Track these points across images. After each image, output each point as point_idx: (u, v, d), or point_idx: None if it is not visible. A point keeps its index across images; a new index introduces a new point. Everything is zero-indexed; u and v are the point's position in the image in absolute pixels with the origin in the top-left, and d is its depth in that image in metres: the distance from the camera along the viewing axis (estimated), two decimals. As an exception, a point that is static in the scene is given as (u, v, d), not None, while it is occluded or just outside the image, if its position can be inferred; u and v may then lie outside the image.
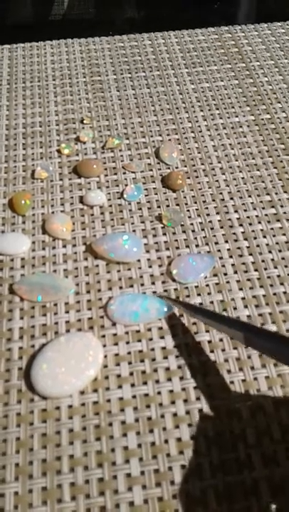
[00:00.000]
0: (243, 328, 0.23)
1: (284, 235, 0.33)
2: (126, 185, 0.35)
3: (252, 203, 0.34)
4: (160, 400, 0.26)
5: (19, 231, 0.33)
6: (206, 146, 0.38)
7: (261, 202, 0.34)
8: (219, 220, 0.33)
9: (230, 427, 0.25)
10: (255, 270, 0.31)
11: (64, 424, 0.25)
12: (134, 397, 0.26)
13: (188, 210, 0.34)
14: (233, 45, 0.47)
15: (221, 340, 0.28)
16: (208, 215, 0.34)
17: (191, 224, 0.33)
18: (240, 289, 0.30)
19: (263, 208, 0.34)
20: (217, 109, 0.41)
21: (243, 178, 0.36)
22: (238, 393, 0.26)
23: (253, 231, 0.33)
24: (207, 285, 0.30)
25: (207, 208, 0.34)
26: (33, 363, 0.27)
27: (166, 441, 0.25)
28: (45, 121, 0.40)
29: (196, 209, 0.34)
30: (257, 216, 0.34)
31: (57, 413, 0.26)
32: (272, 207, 0.34)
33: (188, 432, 0.25)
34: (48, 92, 0.42)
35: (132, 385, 0.26)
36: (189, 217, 0.34)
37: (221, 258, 0.32)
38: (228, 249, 0.32)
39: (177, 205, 0.34)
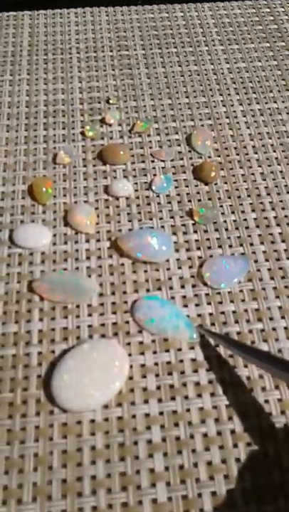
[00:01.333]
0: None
1: None
2: (154, 175, 0.33)
3: (291, 200, 0.32)
4: (189, 418, 0.24)
5: (39, 222, 0.30)
6: (241, 135, 0.35)
7: (301, 200, 0.32)
8: (255, 219, 0.31)
9: (264, 449, 0.23)
10: (294, 277, 0.29)
11: (86, 440, 0.24)
12: (161, 413, 0.24)
13: (221, 206, 0.31)
14: (272, 21, 0.43)
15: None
16: (242, 212, 0.31)
17: (225, 221, 0.31)
18: (277, 297, 0.28)
19: (303, 207, 0.31)
20: (254, 92, 0.37)
21: (281, 171, 0.33)
22: (273, 413, 0.24)
23: (291, 233, 0.30)
24: (241, 291, 0.28)
25: (242, 205, 0.31)
26: (53, 371, 0.25)
27: (195, 465, 0.23)
28: (68, 99, 0.36)
29: (230, 205, 0.31)
30: (296, 216, 0.31)
31: (78, 428, 0.24)
32: (314, 206, 0.31)
33: (219, 455, 0.23)
34: (72, 66, 0.39)
35: (159, 400, 0.25)
36: (222, 213, 0.31)
37: (256, 261, 0.29)
38: (264, 252, 0.29)
39: (209, 199, 0.32)
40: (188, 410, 0.24)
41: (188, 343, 0.26)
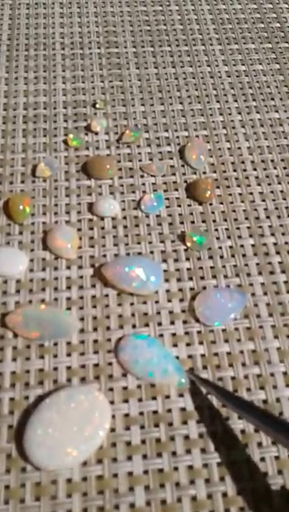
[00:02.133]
0: None
1: None
2: (144, 191, 0.30)
3: (292, 225, 0.29)
4: (177, 479, 0.22)
5: (15, 245, 0.27)
6: (239, 148, 0.32)
7: (303, 225, 0.29)
8: (253, 245, 0.28)
9: (258, 515, 0.21)
10: (294, 314, 0.26)
11: (61, 504, 0.21)
12: (145, 472, 0.22)
13: (216, 230, 0.29)
14: (275, 19, 0.40)
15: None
16: (239, 237, 0.28)
17: (220, 248, 0.28)
18: (276, 337, 0.25)
19: (306, 234, 0.29)
20: (254, 100, 0.34)
21: (282, 191, 0.30)
22: (269, 473, 0.22)
23: (292, 262, 0.28)
24: (236, 329, 0.26)
25: (239, 229, 0.29)
26: (26, 423, 0.22)
27: (183, 534, 0.21)
28: (50, 101, 0.33)
29: (226, 229, 0.29)
30: (298, 243, 0.28)
31: (53, 489, 0.21)
32: (317, 233, 0.29)
33: (209, 521, 0.21)
34: (56, 64, 0.35)
35: (144, 457, 0.22)
36: (218, 238, 0.28)
37: (253, 295, 0.27)
38: (262, 284, 0.27)
39: (203, 221, 0.29)
40: (176, 469, 0.22)
41: (178, 389, 0.24)
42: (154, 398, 0.23)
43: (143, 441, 0.22)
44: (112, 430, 0.23)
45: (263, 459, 0.22)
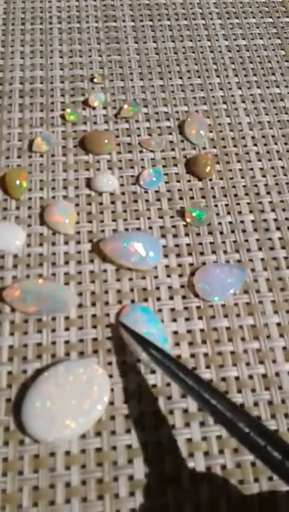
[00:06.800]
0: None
1: None
2: (142, 167, 0.29)
3: (293, 201, 0.29)
4: (176, 452, 0.22)
5: (12, 220, 0.27)
6: (239, 123, 0.31)
7: (304, 201, 0.29)
8: (253, 221, 0.28)
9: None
10: (294, 289, 0.26)
11: (60, 476, 0.21)
12: (144, 445, 0.22)
13: (216, 205, 0.28)
14: (276, -7, 0.39)
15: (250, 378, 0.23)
16: (239, 213, 0.28)
17: (219, 224, 0.28)
18: (276, 312, 0.25)
19: (306, 209, 0.28)
20: (254, 75, 0.34)
21: (283, 167, 0.30)
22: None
23: (292, 238, 0.27)
24: (236, 304, 0.25)
25: (239, 204, 0.28)
26: (24, 397, 0.22)
27: (181, 506, 0.21)
28: (47, 76, 0.32)
29: (226, 204, 0.28)
30: (298, 219, 0.28)
31: (51, 461, 0.21)
32: None
33: (208, 492, 0.21)
34: (52, 38, 0.34)
35: (143, 430, 0.22)
36: (217, 214, 0.28)
37: (253, 270, 0.26)
38: (262, 259, 0.27)
39: (203, 197, 0.29)
40: (173, 442, 0.22)
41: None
42: (153, 372, 0.23)
43: (141, 415, 0.22)
44: (111, 403, 0.22)
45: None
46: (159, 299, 0.25)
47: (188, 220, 0.27)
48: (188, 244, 0.27)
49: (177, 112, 0.32)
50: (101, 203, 0.28)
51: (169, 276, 0.26)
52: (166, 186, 0.29)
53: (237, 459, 0.21)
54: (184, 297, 0.25)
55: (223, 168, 0.30)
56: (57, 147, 0.30)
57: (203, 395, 0.19)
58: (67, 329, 0.24)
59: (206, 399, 0.18)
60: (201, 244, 0.27)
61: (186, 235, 0.27)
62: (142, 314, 0.24)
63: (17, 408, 0.22)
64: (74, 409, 0.21)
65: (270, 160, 0.30)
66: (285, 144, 0.31)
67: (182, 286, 0.26)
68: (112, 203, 0.28)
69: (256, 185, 0.29)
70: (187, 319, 0.25)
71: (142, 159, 0.30)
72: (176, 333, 0.24)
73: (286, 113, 0.32)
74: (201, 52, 0.35)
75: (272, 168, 0.30)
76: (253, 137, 0.31)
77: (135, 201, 0.28)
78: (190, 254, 0.27)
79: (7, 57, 0.33)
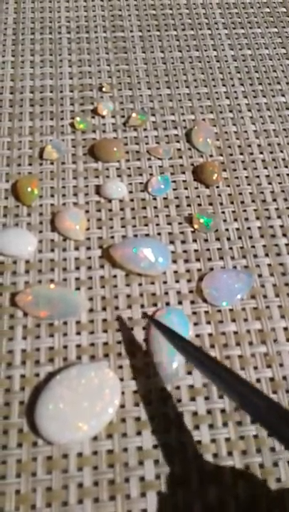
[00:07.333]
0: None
1: None
2: (151, 174, 0.30)
3: (299, 208, 0.29)
4: (184, 454, 0.22)
5: (24, 226, 0.28)
6: (246, 131, 0.32)
7: (309, 208, 0.29)
8: (259, 227, 0.28)
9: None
10: (301, 294, 0.26)
11: (72, 477, 0.21)
12: (155, 447, 0.22)
13: (223, 212, 0.29)
14: (281, 4, 0.39)
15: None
16: (246, 219, 0.29)
17: (226, 230, 0.28)
18: (282, 317, 0.26)
19: (312, 216, 0.29)
20: (260, 84, 0.34)
21: (288, 174, 0.30)
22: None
23: (298, 244, 0.28)
24: (243, 309, 0.26)
25: (245, 211, 0.29)
26: (37, 399, 0.22)
27: (191, 505, 0.21)
28: (56, 85, 0.33)
29: (233, 211, 0.29)
30: (304, 225, 0.29)
31: (64, 463, 0.22)
32: None
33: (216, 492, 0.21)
34: (62, 48, 0.35)
35: (153, 432, 0.22)
36: (224, 220, 0.29)
37: (260, 276, 0.27)
38: (269, 265, 0.27)
39: (210, 204, 0.29)
40: (183, 444, 0.22)
41: (186, 367, 0.24)
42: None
43: (152, 418, 0.23)
44: (122, 406, 0.23)
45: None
46: (168, 304, 0.26)
47: (196, 226, 0.28)
48: (196, 250, 0.27)
49: (184, 121, 0.32)
50: (110, 210, 0.28)
51: (177, 281, 0.26)
52: (174, 193, 0.29)
53: (246, 461, 0.22)
54: (192, 302, 0.26)
55: (230, 175, 0.30)
56: (67, 155, 0.30)
57: (237, 387, 0.18)
58: (78, 333, 0.25)
59: (239, 390, 0.18)
60: (208, 250, 0.27)
61: (194, 241, 0.28)
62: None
63: (30, 410, 0.22)
64: (86, 412, 0.22)
65: (276, 167, 0.31)
66: (291, 151, 0.31)
67: (190, 292, 0.26)
68: (122, 209, 0.29)
69: (262, 192, 0.30)
70: (196, 324, 0.25)
71: (150, 167, 0.30)
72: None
73: (291, 121, 0.33)
74: (208, 62, 0.35)
75: (278, 175, 0.30)
76: (259, 145, 0.32)
77: (144, 208, 0.29)
78: (198, 259, 0.27)
79: (17, 67, 0.34)
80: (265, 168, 0.31)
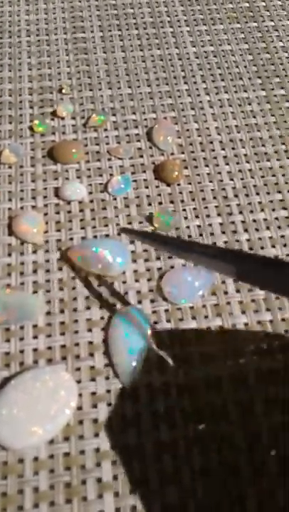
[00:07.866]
0: (235, 259, 0.18)
1: (296, 244, 0.28)
2: (111, 174, 0.30)
3: (260, 202, 0.29)
4: (143, 453, 0.22)
5: (-19, 231, 0.27)
6: (207, 128, 0.32)
7: (271, 202, 0.29)
8: (221, 224, 0.28)
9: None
10: (261, 289, 0.26)
11: (28, 481, 0.21)
12: (113, 448, 0.22)
13: (184, 210, 0.29)
14: (244, -1, 0.39)
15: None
16: (208, 216, 0.28)
17: (188, 227, 0.28)
18: (243, 313, 0.25)
19: (274, 210, 0.29)
20: (222, 80, 0.34)
21: (250, 170, 0.30)
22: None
23: (260, 239, 0.28)
24: (204, 306, 0.26)
25: (207, 208, 0.29)
26: (-8, 405, 0.22)
27: (148, 506, 0.21)
28: (15, 88, 0.33)
29: (194, 208, 0.29)
30: (265, 220, 0.28)
31: (20, 467, 0.21)
32: (285, 208, 0.29)
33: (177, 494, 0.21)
34: (21, 51, 0.35)
35: (111, 433, 0.22)
36: (185, 218, 0.28)
37: (221, 272, 0.27)
38: (230, 261, 0.27)
39: (171, 202, 0.29)
40: (141, 444, 0.22)
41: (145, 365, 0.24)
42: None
43: (110, 419, 0.23)
44: (79, 409, 0.23)
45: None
46: (128, 304, 0.25)
47: (156, 225, 0.28)
48: (156, 249, 0.27)
49: (146, 120, 0.32)
50: (69, 212, 0.28)
51: (137, 281, 0.26)
52: (135, 193, 0.29)
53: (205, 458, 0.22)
54: (152, 301, 0.26)
55: (192, 172, 0.30)
56: (25, 158, 0.30)
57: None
58: (35, 337, 0.24)
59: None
60: (169, 248, 0.27)
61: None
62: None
63: (-14, 417, 0.22)
64: (41, 416, 0.22)
65: (237, 163, 0.31)
66: (253, 147, 0.31)
67: (150, 290, 0.26)
68: (81, 211, 0.28)
69: (224, 189, 0.29)
70: (155, 322, 0.25)
71: (111, 167, 0.30)
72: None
73: (254, 116, 0.33)
74: (169, 60, 0.35)
75: (240, 171, 0.30)
76: (220, 141, 0.31)
77: (104, 208, 0.28)
78: (158, 258, 0.27)
79: (-24, 72, 0.34)
80: (227, 164, 0.30)
